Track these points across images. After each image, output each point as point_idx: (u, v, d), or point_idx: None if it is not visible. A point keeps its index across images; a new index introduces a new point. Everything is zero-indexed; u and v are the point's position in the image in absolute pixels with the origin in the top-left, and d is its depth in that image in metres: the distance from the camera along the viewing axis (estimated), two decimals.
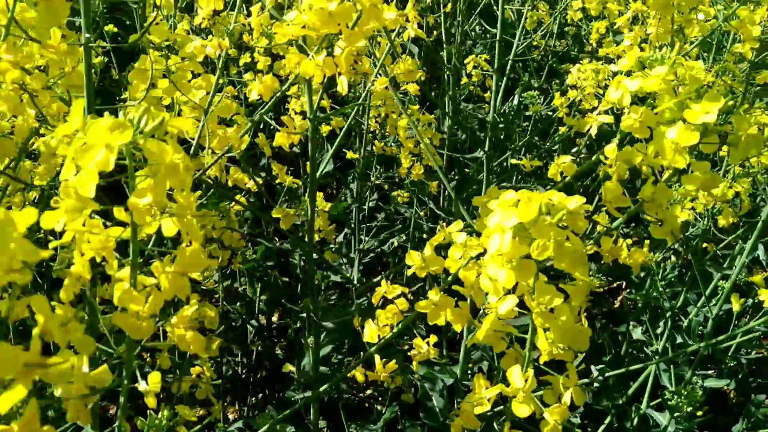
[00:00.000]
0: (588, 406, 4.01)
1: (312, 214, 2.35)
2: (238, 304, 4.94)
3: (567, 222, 1.37)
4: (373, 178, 4.21)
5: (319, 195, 3.21)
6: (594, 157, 2.15)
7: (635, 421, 3.65)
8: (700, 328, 3.44)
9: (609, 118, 1.90)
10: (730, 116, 1.59)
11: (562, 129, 4.40)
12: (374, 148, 4.06)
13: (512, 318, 1.46)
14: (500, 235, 1.35)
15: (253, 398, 4.66)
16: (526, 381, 1.45)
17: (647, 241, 1.92)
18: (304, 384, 3.04)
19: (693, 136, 1.59)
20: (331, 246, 4.16)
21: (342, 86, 1.58)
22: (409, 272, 1.83)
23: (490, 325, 1.47)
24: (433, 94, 5.09)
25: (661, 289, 3.10)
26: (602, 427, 3.78)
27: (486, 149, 2.62)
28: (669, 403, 2.35)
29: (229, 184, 2.44)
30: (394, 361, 1.91)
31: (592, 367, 2.85)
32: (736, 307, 2.56)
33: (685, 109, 1.59)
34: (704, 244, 3.70)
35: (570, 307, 1.44)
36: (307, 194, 2.34)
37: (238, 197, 2.54)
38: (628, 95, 1.79)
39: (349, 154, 3.82)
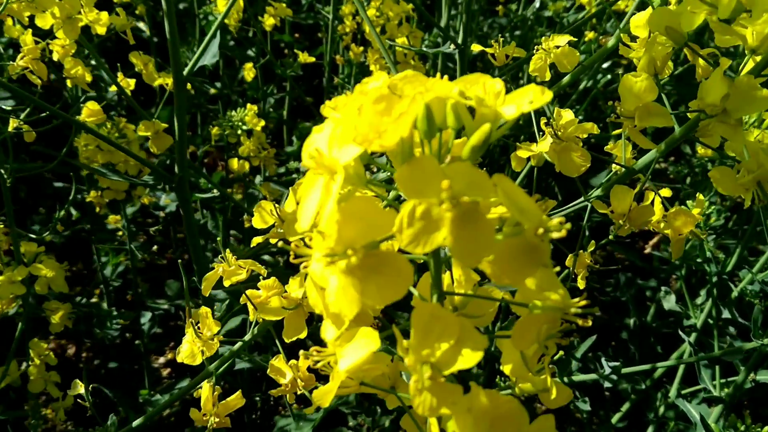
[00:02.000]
0: (598, 386, 3.23)
1: (180, 130, 1.54)
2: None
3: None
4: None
5: (251, 108, 2.38)
6: (612, 39, 1.29)
7: (661, 410, 2.86)
8: (755, 301, 2.61)
9: None
10: None
11: (590, 34, 3.47)
12: (351, 53, 3.19)
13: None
14: (322, 186, 0.52)
15: None
16: None
17: (700, 195, 1.10)
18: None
19: None
20: (277, 175, 3.35)
21: None
22: (254, 243, 1.03)
23: (335, 387, 0.66)
24: None
25: (710, 253, 2.25)
26: (617, 415, 3.00)
27: (459, 41, 1.74)
28: None
29: (68, 84, 1.62)
30: (238, 392, 1.13)
31: (603, 362, 2.06)
32: None
33: None
34: None
35: (514, 359, 0.63)
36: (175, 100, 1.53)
37: (87, 109, 1.71)
38: None
39: (302, 57, 2.92)
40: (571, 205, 1.09)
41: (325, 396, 0.67)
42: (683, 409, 2.52)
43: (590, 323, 0.59)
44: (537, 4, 4.23)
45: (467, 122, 0.53)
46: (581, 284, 1.19)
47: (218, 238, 1.66)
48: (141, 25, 3.71)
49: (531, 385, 0.66)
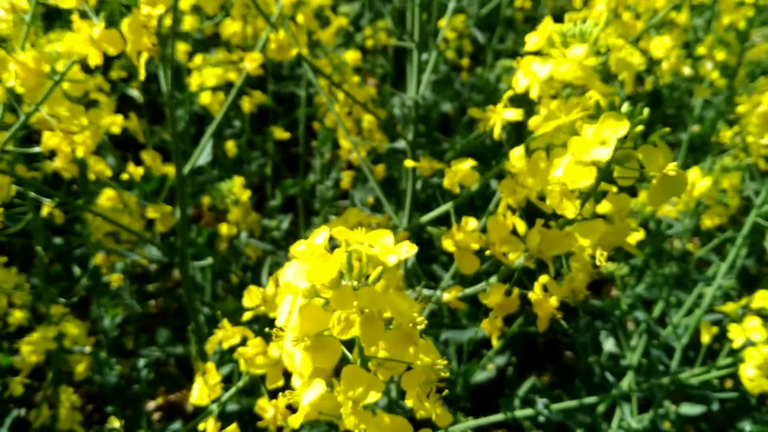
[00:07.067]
0: (563, 425, 3.59)
1: (182, 216, 1.92)
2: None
3: (388, 280, 0.93)
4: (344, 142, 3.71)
5: (238, 180, 2.78)
6: (499, 166, 1.67)
7: None
8: (677, 342, 3.01)
9: (516, 114, 1.43)
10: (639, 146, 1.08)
11: None
12: (327, 120, 3.60)
13: None
14: (290, 300, 0.92)
15: None
16: None
17: (578, 276, 1.45)
18: None
19: (585, 174, 1.07)
20: (274, 234, 3.75)
21: None
22: (245, 318, 1.42)
23: (302, 415, 1.05)
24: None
25: (626, 307, 2.65)
26: None
27: (410, 138, 2.15)
28: None
29: (90, 176, 2.01)
30: (234, 425, 1.50)
31: (537, 399, 2.42)
32: (705, 338, 2.11)
33: (574, 135, 1.10)
34: (688, 245, 3.24)
35: (412, 395, 1.01)
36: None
37: (105, 195, 2.11)
38: (537, 85, 1.32)
39: (278, 133, 3.32)
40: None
41: (295, 420, 1.05)
42: None
43: (447, 375, 0.99)
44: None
45: (372, 264, 0.94)
46: (495, 343, 1.54)
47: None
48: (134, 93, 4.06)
49: (423, 412, 1.05)
